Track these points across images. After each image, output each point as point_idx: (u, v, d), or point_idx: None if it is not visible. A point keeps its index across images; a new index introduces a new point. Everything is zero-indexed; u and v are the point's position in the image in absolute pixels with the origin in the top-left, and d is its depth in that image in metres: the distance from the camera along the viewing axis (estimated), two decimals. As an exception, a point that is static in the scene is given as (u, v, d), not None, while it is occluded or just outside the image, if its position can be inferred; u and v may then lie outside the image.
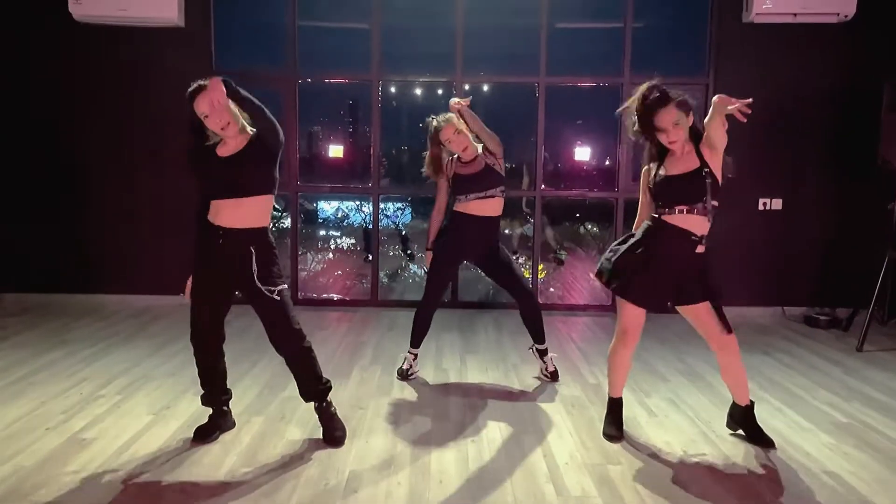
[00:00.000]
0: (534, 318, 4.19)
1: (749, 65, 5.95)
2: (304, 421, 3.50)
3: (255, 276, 3.07)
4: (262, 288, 3.08)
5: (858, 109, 5.78)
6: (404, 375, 4.21)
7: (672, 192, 3.12)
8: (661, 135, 3.08)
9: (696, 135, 3.14)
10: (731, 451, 3.22)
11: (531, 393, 4.03)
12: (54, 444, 3.16)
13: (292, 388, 3.98)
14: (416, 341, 4.26)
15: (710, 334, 3.22)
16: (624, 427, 3.44)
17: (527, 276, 6.94)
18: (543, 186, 6.37)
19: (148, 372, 4.26)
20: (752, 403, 3.35)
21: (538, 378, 4.28)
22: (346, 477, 2.89)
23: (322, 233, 9.80)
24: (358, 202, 9.77)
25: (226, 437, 3.29)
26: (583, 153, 8.75)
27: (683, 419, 3.63)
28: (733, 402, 3.39)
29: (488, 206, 4.04)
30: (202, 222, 3.14)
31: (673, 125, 3.03)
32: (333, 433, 3.26)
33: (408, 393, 3.99)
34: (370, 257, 7.49)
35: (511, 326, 5.63)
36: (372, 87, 6.22)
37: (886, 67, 5.55)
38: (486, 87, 11.81)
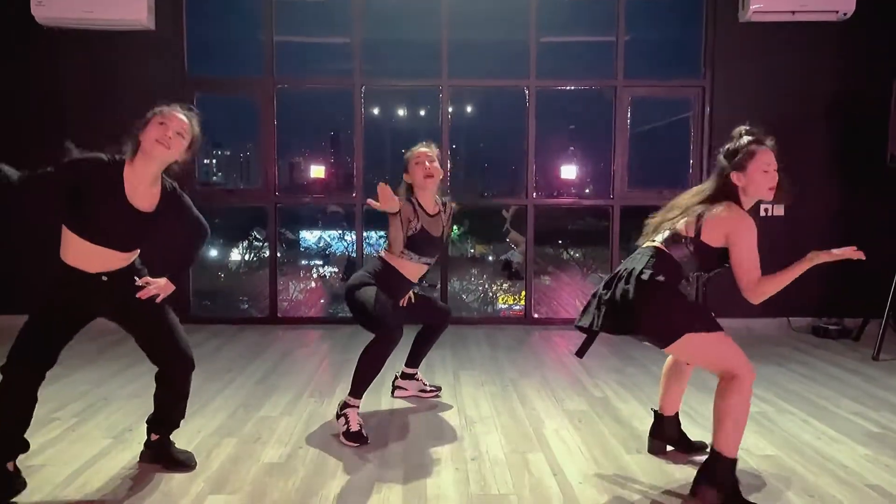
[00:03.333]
0: (430, 342, 3.85)
1: (747, 65, 5.72)
2: (282, 443, 3.12)
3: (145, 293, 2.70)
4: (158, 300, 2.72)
5: (863, 109, 5.56)
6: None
7: None
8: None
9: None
10: (760, 464, 2.89)
11: (534, 407, 3.68)
12: None
13: (269, 407, 3.65)
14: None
15: None
16: (634, 439, 3.12)
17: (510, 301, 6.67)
18: (535, 195, 6.07)
19: (109, 393, 3.86)
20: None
21: (421, 395, 3.85)
22: (332, 502, 2.52)
23: (304, 262, 9.54)
24: (341, 231, 9.56)
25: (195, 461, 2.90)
26: (569, 171, 8.58)
27: (698, 430, 3.28)
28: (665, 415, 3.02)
29: (423, 271, 3.60)
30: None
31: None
32: (181, 462, 2.84)
33: (397, 411, 3.62)
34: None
35: (505, 341, 5.29)
36: (354, 92, 5.91)
37: (887, 66, 5.33)
38: (469, 109, 11.63)
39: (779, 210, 5.79)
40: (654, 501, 2.54)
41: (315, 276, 9.19)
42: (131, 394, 3.85)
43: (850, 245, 2.79)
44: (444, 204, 3.63)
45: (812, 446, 3.10)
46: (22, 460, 2.83)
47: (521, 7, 5.92)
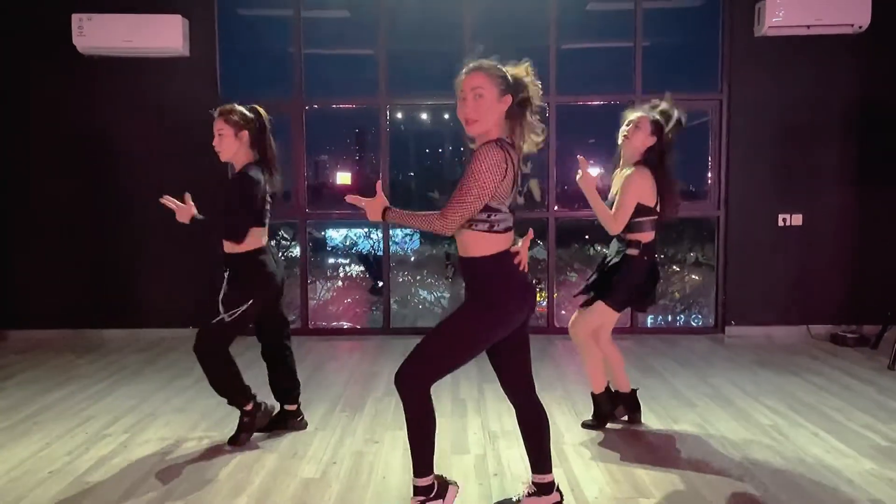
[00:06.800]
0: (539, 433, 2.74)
1: (763, 78, 5.83)
2: (317, 458, 3.35)
3: (220, 295, 3.39)
4: (221, 308, 3.37)
5: (877, 120, 5.64)
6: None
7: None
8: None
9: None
10: (770, 480, 3.05)
11: (554, 421, 3.86)
12: (57, 488, 3.02)
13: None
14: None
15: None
16: (649, 453, 3.29)
17: (541, 298, 6.81)
18: (557, 207, 6.24)
19: (156, 408, 4.13)
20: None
21: None
22: (364, 517, 2.74)
23: (331, 261, 9.69)
24: (367, 229, 9.69)
25: (237, 475, 3.14)
26: (593, 171, 8.66)
27: (716, 446, 3.46)
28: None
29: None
30: None
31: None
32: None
33: (425, 425, 3.82)
34: (378, 285, 7.39)
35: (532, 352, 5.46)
36: (380, 112, 6.14)
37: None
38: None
39: (796, 220, 5.89)
40: (665, 516, 2.72)
41: (342, 275, 9.34)
42: (176, 408, 4.12)
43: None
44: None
45: (820, 461, 3.25)
46: (81, 475, 3.11)
47: (542, 23, 6.08)
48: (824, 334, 5.83)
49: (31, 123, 5.94)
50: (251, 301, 3.40)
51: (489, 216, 2.44)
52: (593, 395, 3.76)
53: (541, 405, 2.75)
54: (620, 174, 3.59)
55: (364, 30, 6.36)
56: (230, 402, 3.55)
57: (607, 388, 3.75)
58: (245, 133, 3.47)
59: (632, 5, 6.06)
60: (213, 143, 3.47)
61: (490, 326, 2.49)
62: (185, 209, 3.42)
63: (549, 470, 2.69)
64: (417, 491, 2.58)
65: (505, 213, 2.48)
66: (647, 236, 3.54)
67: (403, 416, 2.55)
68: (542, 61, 6.08)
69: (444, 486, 2.65)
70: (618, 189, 3.55)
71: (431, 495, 2.59)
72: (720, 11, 5.99)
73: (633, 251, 3.54)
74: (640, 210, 3.49)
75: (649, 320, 6.84)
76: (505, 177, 2.41)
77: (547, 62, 6.06)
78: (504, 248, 2.50)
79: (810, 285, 5.94)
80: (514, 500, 2.81)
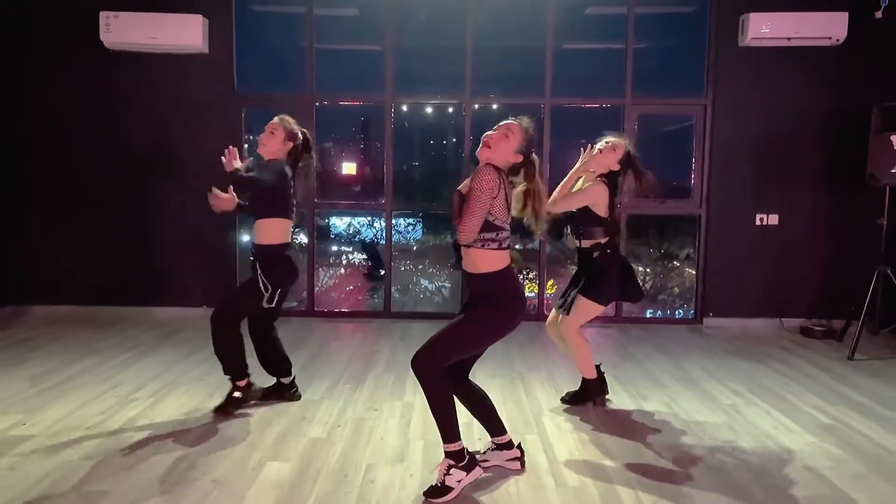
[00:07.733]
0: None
1: (745, 86, 6.22)
2: (323, 422, 3.78)
3: (260, 282, 3.83)
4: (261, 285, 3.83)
5: (849, 129, 6.04)
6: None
7: None
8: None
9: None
10: (720, 447, 3.47)
11: (535, 397, 4.28)
12: (97, 440, 3.45)
13: (312, 391, 4.30)
14: None
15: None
16: (618, 425, 3.72)
17: (534, 289, 7.22)
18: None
19: (177, 378, 4.55)
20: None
21: None
22: (364, 470, 3.16)
23: (334, 248, 10.03)
24: (369, 218, 10.01)
25: (252, 435, 3.56)
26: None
27: (678, 420, 3.88)
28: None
29: None
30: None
31: None
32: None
33: (419, 398, 4.24)
34: (380, 273, 7.77)
35: (518, 337, 5.89)
36: (385, 109, 6.54)
37: (875, 90, 5.82)
38: (494, 106, 12.18)
39: (773, 219, 6.30)
40: (625, 474, 3.14)
41: (345, 262, 9.68)
42: (195, 378, 4.55)
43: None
44: None
45: (768, 434, 3.67)
46: (115, 431, 3.54)
47: (540, 26, 6.44)
48: (796, 327, 6.24)
49: (56, 113, 6.33)
50: (279, 291, 3.86)
51: (497, 234, 2.90)
52: (586, 380, 4.10)
53: (476, 384, 3.21)
54: (583, 184, 4.01)
55: (372, 28, 6.74)
56: (226, 372, 3.93)
57: (600, 376, 4.12)
58: (290, 144, 4.03)
59: (625, 10, 6.42)
60: (261, 137, 3.98)
61: (499, 331, 2.97)
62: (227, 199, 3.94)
63: (503, 431, 3.20)
64: (448, 455, 2.94)
65: (508, 231, 2.94)
66: (601, 239, 3.95)
67: (420, 392, 2.99)
68: (539, 62, 6.47)
69: (473, 460, 3.01)
70: (576, 186, 4.04)
71: (462, 463, 2.95)
72: (707, 20, 6.37)
73: (595, 253, 3.96)
74: (593, 219, 3.92)
75: (648, 313, 7.26)
76: (497, 195, 2.83)
77: (543, 63, 6.44)
78: (508, 263, 2.96)
79: (784, 281, 6.35)
80: (481, 452, 3.25)
